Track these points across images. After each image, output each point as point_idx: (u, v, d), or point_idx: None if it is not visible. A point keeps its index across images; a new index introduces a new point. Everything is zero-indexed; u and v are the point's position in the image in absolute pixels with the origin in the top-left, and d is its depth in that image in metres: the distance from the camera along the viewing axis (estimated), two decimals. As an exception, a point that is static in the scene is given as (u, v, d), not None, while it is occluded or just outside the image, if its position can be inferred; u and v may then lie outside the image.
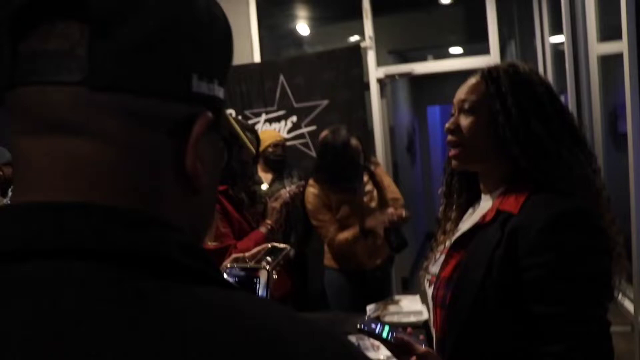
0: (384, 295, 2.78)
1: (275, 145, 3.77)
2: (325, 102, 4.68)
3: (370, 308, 2.48)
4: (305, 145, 4.62)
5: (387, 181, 3.17)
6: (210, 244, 2.03)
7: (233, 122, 0.59)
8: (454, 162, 1.24)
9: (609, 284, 1.07)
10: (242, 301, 0.43)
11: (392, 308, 2.52)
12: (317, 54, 4.85)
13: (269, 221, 2.33)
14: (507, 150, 1.12)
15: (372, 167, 3.11)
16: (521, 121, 1.11)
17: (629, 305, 2.59)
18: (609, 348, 1.02)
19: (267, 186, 3.68)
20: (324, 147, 2.96)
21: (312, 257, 3.52)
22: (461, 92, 1.22)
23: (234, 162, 2.25)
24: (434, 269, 1.28)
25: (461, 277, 1.15)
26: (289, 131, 4.71)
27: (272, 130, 4.59)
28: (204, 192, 0.49)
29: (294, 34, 5.67)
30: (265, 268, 1.29)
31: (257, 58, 5.05)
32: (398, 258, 3.77)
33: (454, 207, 1.32)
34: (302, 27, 5.67)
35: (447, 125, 1.22)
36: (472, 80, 1.21)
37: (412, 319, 2.38)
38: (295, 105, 4.75)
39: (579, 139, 1.16)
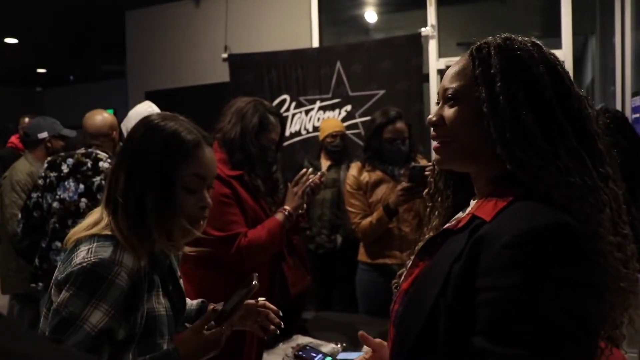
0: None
1: (334, 135, 3.90)
2: (381, 92, 4.51)
3: None
4: (358, 135, 4.48)
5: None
6: (215, 232, 1.92)
7: None
8: (437, 159, 1.03)
9: (591, 331, 0.80)
10: None
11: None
12: (376, 41, 4.67)
13: (287, 207, 2.16)
14: (494, 147, 0.90)
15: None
16: (509, 111, 0.88)
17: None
18: None
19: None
20: (372, 123, 2.93)
21: (347, 253, 3.40)
22: (445, 77, 1.01)
23: (252, 147, 2.13)
24: (402, 280, 1.06)
25: (415, 293, 0.93)
26: (343, 120, 4.57)
27: (333, 119, 4.48)
28: None
29: (356, 20, 5.50)
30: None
31: (315, 43, 4.93)
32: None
33: (437, 212, 1.10)
34: (366, 14, 5.48)
35: (429, 117, 1.02)
36: (459, 62, 1.00)
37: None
38: (351, 94, 4.61)
39: (589, 135, 0.90)
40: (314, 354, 1.22)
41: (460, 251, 0.86)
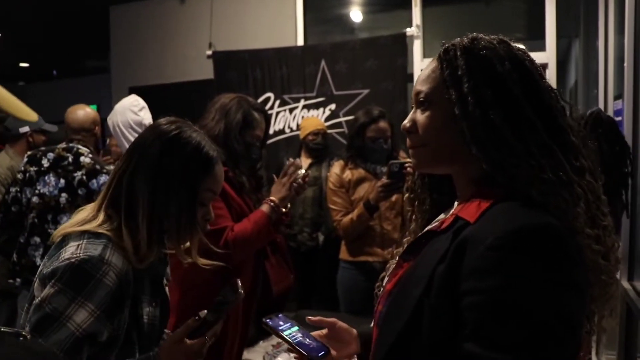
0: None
1: (315, 133, 3.90)
2: (365, 92, 4.51)
3: None
4: (342, 134, 4.47)
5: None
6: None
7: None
8: (414, 164, 1.02)
9: (575, 329, 0.79)
10: None
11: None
12: (361, 40, 4.68)
13: (273, 197, 2.13)
14: (473, 148, 0.89)
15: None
16: (479, 112, 0.87)
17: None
18: None
19: (304, 171, 3.71)
20: (355, 122, 2.96)
21: (328, 252, 3.40)
22: (417, 81, 1.01)
23: (236, 143, 2.11)
24: (386, 281, 1.06)
25: (398, 293, 0.92)
26: (327, 119, 4.58)
27: (314, 118, 4.49)
28: None
29: (341, 19, 5.49)
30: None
31: (300, 41, 4.93)
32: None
33: (415, 216, 1.10)
34: (351, 13, 5.48)
35: (403, 124, 1.02)
36: (429, 66, 0.99)
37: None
38: (335, 92, 4.61)
39: (561, 129, 0.89)
40: (281, 323, 1.22)
41: (444, 252, 0.85)
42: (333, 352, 1.16)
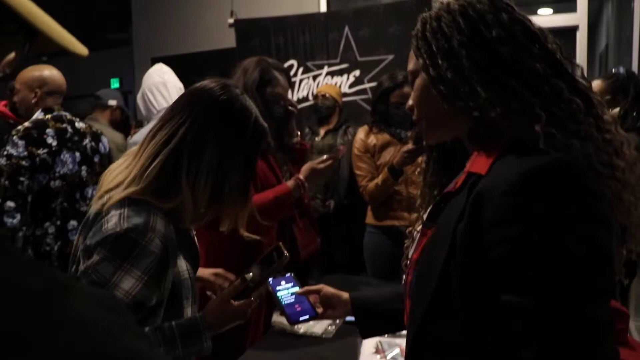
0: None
1: (324, 95, 3.84)
2: (390, 57, 4.44)
3: None
4: (367, 101, 4.42)
5: None
6: None
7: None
8: (423, 139, 1.04)
9: (607, 266, 0.77)
10: None
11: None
12: (385, 5, 4.58)
13: (301, 176, 2.09)
14: (454, 106, 0.88)
15: None
16: (446, 64, 0.86)
17: None
18: (600, 357, 0.73)
19: (320, 138, 3.76)
20: (378, 87, 2.95)
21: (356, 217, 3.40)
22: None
23: (254, 101, 2.05)
24: (412, 251, 1.05)
25: (424, 261, 0.92)
26: (351, 86, 4.52)
27: (329, 85, 4.44)
28: None
29: (365, -17, 5.39)
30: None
31: (323, 7, 4.85)
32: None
33: (431, 186, 1.08)
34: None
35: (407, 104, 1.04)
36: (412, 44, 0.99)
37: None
38: (359, 59, 4.54)
39: (556, 62, 0.86)
40: (283, 283, 1.36)
41: (462, 210, 0.84)
42: (326, 316, 1.36)
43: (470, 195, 0.83)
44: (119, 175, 1.28)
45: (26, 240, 2.56)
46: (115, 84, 8.49)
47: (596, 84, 2.99)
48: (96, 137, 2.81)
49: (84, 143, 2.72)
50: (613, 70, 3.31)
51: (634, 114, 2.73)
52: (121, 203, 1.20)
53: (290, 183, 2.08)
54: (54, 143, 2.58)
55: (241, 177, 1.30)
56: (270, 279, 1.36)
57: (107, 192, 1.24)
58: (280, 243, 1.38)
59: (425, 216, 1.03)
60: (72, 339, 0.29)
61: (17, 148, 2.49)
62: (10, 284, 0.30)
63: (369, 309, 1.33)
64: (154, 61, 5.24)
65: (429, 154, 1.10)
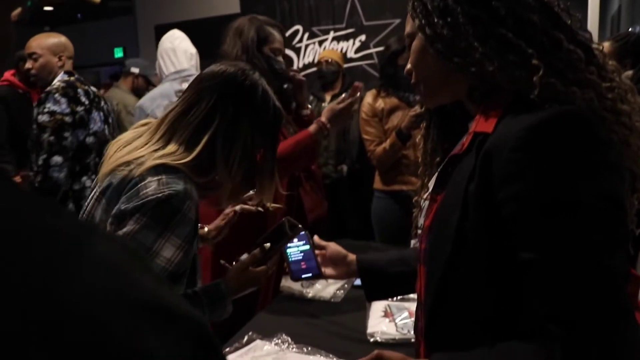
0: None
1: (327, 61, 3.81)
2: (397, 21, 4.37)
3: None
4: (373, 66, 4.37)
5: None
6: None
7: None
8: (422, 102, 1.03)
9: (621, 215, 0.76)
10: None
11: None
12: (392, -34, 4.49)
13: (323, 119, 1.99)
14: (452, 63, 0.86)
15: None
16: (442, 22, 0.85)
17: None
18: (619, 307, 0.73)
19: (327, 104, 3.70)
20: (386, 50, 2.90)
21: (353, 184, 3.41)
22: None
23: (256, 60, 2.00)
24: (422, 220, 1.04)
25: (436, 224, 0.90)
26: (357, 51, 4.47)
27: (332, 50, 4.39)
28: None
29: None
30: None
31: (328, -30, 4.76)
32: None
33: (432, 152, 1.07)
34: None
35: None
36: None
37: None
38: (365, 23, 4.47)
39: (554, 15, 0.84)
40: (295, 240, 1.40)
41: (472, 170, 0.83)
42: (328, 275, 1.37)
43: (479, 155, 0.82)
44: (140, 149, 1.25)
45: (65, 195, 2.65)
46: (119, 53, 8.44)
47: (605, 46, 2.90)
48: (101, 99, 2.88)
49: (102, 104, 2.82)
50: (629, 29, 3.20)
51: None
52: (156, 169, 1.18)
53: (312, 127, 2.00)
54: (87, 102, 2.69)
55: (271, 154, 1.36)
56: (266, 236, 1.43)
57: (129, 162, 1.21)
58: (290, 218, 1.43)
59: (431, 184, 1.02)
60: (97, 278, 0.29)
61: (59, 105, 2.57)
62: (38, 224, 0.30)
63: (375, 271, 1.33)
64: (157, 29, 5.21)
65: (429, 119, 1.09)
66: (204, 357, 0.33)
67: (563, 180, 0.75)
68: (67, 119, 2.59)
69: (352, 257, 1.37)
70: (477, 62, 0.84)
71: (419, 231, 1.04)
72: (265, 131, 1.33)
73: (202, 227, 1.60)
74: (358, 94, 2.02)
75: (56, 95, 2.59)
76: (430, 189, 1.02)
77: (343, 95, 2.08)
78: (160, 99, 2.77)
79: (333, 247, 1.38)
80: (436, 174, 1.01)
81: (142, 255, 0.36)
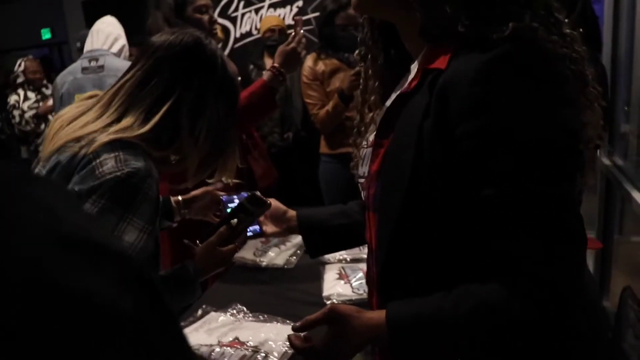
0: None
1: (272, 29, 3.73)
2: (333, -16, 4.30)
3: None
4: (312, 32, 4.31)
5: None
6: None
7: None
8: (353, 4, 0.92)
9: (577, 145, 0.78)
10: None
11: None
12: None
13: (276, 65, 1.89)
14: None
15: None
16: None
17: None
18: (582, 238, 0.76)
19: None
20: (323, 11, 2.88)
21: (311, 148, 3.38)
22: None
23: (179, 23, 1.93)
24: (364, 168, 0.99)
25: (387, 166, 0.87)
26: (294, 17, 4.39)
27: (272, 16, 4.31)
28: None
29: None
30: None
31: None
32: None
33: (371, 76, 1.01)
34: None
35: None
36: None
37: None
38: (302, -13, 4.40)
39: None
40: (236, 199, 1.38)
41: (426, 107, 0.79)
42: (270, 233, 1.35)
43: (433, 91, 0.79)
44: (90, 124, 1.15)
45: None
46: (46, 34, 8.00)
47: None
48: None
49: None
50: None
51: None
52: (112, 145, 1.08)
53: (265, 75, 1.93)
54: None
55: (233, 124, 1.30)
56: (224, 197, 1.39)
57: (79, 138, 1.11)
58: (258, 192, 1.38)
59: (371, 132, 0.98)
60: (30, 218, 0.27)
61: None
62: None
63: (315, 225, 1.30)
64: (84, 5, 4.97)
65: (366, 68, 1.04)
66: (147, 302, 0.30)
67: (524, 114, 0.74)
68: None
69: (292, 212, 1.34)
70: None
71: (361, 180, 1.01)
72: (228, 100, 1.26)
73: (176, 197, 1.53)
74: (301, 30, 1.97)
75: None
76: (371, 138, 0.98)
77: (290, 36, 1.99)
78: (68, 75, 2.86)
79: (272, 203, 1.34)
80: (379, 119, 0.96)
81: (75, 196, 0.36)
